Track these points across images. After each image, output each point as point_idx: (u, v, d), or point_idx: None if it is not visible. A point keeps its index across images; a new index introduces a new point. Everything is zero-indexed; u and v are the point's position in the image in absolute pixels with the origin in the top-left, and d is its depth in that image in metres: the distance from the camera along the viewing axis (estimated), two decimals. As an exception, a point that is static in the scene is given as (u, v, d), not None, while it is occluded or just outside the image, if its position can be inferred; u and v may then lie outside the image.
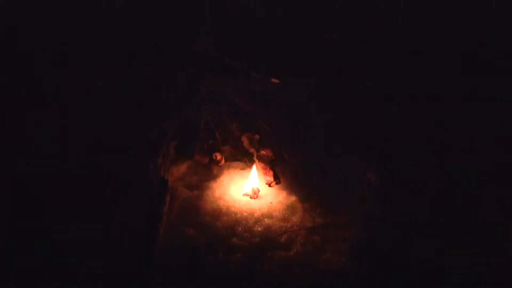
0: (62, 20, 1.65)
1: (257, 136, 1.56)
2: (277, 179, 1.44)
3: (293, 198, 1.40)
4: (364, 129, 1.60)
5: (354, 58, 1.71)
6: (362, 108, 1.63)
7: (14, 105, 1.48)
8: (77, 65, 1.62)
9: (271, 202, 1.38)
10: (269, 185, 1.44)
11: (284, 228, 1.28)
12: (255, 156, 1.50)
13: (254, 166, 1.46)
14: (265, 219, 1.31)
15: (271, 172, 1.45)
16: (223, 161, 1.54)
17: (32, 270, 1.10)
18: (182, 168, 1.50)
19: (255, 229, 1.28)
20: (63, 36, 1.63)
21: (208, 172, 1.51)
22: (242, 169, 1.53)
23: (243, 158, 1.57)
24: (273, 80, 1.72)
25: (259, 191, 1.41)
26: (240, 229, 1.28)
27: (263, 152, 1.50)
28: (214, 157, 1.52)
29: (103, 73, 1.67)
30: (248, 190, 1.42)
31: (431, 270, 1.17)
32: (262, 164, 1.47)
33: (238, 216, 1.32)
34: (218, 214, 1.32)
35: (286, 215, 1.34)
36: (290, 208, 1.36)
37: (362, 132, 1.59)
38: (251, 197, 1.40)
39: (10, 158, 1.34)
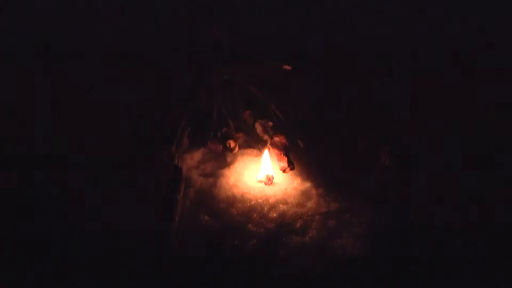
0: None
1: (270, 123, 1.56)
2: (291, 165, 1.44)
3: (307, 184, 1.39)
4: (378, 114, 1.59)
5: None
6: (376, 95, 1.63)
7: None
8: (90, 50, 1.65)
9: (285, 188, 1.38)
10: (284, 171, 1.43)
11: (299, 214, 1.28)
12: (268, 143, 1.49)
13: (267, 153, 1.45)
14: (280, 205, 1.31)
15: (285, 158, 1.44)
16: (236, 149, 1.53)
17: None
18: (196, 156, 1.51)
19: (270, 215, 1.28)
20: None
21: (222, 160, 1.51)
22: (256, 156, 1.53)
23: (257, 145, 1.56)
24: (285, 66, 1.72)
25: (273, 177, 1.41)
26: (255, 215, 1.28)
27: (276, 138, 1.49)
28: (227, 145, 1.52)
29: (117, 62, 1.69)
30: (262, 177, 1.42)
31: (446, 252, 1.16)
32: (276, 151, 1.46)
33: (253, 202, 1.32)
34: (233, 201, 1.33)
35: (301, 201, 1.33)
36: (305, 193, 1.36)
37: (376, 117, 1.59)
38: (265, 184, 1.40)
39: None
